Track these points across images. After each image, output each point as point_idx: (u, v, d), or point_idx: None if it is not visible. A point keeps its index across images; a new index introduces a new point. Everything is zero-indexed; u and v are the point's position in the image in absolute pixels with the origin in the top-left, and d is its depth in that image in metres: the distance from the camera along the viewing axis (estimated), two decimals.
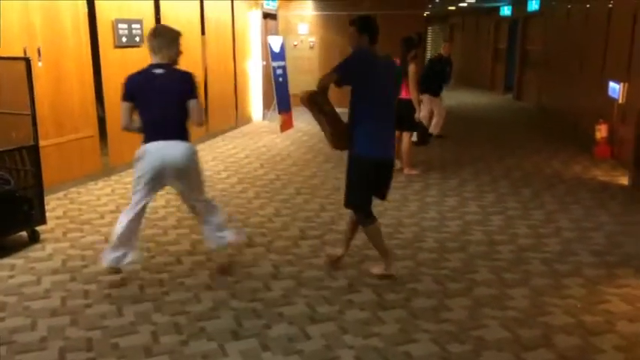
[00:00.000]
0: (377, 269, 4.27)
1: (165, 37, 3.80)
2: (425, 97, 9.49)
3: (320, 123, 3.97)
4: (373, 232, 4.17)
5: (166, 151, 3.79)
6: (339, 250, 4.44)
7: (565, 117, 11.66)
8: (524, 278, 4.25)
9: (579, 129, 10.24)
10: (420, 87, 9.49)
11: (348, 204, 4.18)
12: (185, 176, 3.92)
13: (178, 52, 3.86)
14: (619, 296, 3.95)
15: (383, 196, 4.24)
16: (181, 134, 3.84)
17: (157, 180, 3.90)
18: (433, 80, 9.42)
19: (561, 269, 4.43)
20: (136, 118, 3.90)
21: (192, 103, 3.79)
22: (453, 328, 3.49)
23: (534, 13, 15.01)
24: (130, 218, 3.92)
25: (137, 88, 3.80)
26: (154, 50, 3.80)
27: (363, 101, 3.95)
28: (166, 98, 3.77)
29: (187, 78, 3.82)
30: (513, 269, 4.42)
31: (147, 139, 3.85)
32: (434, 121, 9.74)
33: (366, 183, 4.05)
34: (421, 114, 9.52)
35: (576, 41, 11.10)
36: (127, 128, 3.93)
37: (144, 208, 4.00)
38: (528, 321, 3.59)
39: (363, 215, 4.12)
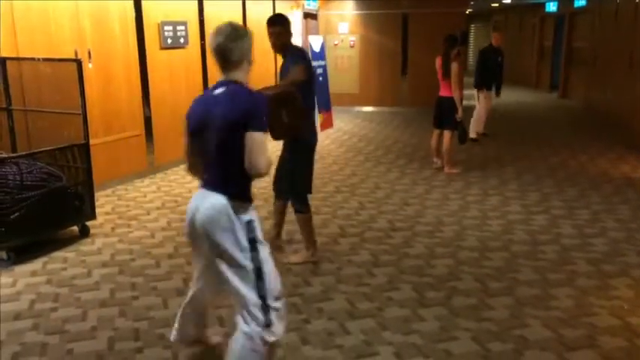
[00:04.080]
0: (297, 257, 4.44)
1: (229, 38, 2.59)
2: (482, 94, 9.36)
3: (278, 116, 3.67)
4: (309, 220, 4.41)
5: (201, 203, 2.62)
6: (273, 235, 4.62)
7: (613, 115, 11.30)
8: (569, 278, 4.17)
9: (628, 128, 9.91)
10: (477, 81, 9.39)
11: (301, 193, 4.32)
12: (211, 250, 2.62)
13: (247, 60, 2.68)
14: None
15: None
16: (224, 184, 2.59)
17: (195, 245, 2.76)
18: (488, 73, 9.27)
19: (608, 270, 4.32)
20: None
21: (247, 139, 2.49)
22: (494, 327, 3.46)
23: (581, 9, 14.60)
24: (184, 302, 2.92)
25: (192, 113, 2.71)
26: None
27: (312, 94, 4.37)
28: (214, 130, 2.57)
29: (246, 101, 2.54)
30: (557, 269, 4.34)
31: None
32: (474, 116, 9.59)
33: (312, 169, 4.42)
34: (479, 112, 9.42)
35: (626, 37, 10.75)
36: (189, 172, 2.85)
37: (198, 295, 2.84)
38: (572, 321, 3.53)
39: (306, 203, 4.35)
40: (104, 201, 6.03)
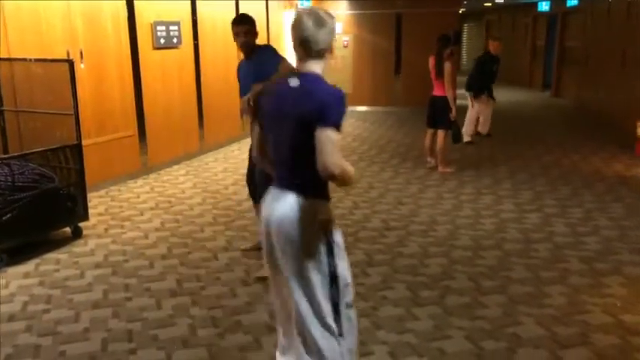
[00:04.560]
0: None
1: (313, 26, 2.36)
2: (481, 98, 9.33)
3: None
4: None
5: (273, 206, 2.47)
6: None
7: (605, 114, 11.36)
8: (562, 276, 4.19)
9: (620, 126, 9.97)
10: (474, 87, 9.37)
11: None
12: (286, 256, 2.43)
13: (327, 50, 2.45)
14: None
15: None
16: (299, 182, 2.41)
17: (270, 253, 2.55)
18: (485, 79, 9.27)
19: (601, 268, 4.34)
20: None
21: (317, 136, 2.25)
22: (487, 326, 3.47)
23: (573, 8, 14.67)
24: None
25: (265, 104, 2.51)
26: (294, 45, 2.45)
27: None
28: (287, 125, 2.37)
29: (322, 94, 2.34)
30: (550, 267, 4.35)
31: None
32: (481, 119, 9.57)
33: None
34: (470, 113, 9.39)
35: (618, 36, 10.81)
36: (257, 161, 2.73)
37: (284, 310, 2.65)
38: (565, 319, 3.54)
39: None
40: (97, 202, 6.01)
